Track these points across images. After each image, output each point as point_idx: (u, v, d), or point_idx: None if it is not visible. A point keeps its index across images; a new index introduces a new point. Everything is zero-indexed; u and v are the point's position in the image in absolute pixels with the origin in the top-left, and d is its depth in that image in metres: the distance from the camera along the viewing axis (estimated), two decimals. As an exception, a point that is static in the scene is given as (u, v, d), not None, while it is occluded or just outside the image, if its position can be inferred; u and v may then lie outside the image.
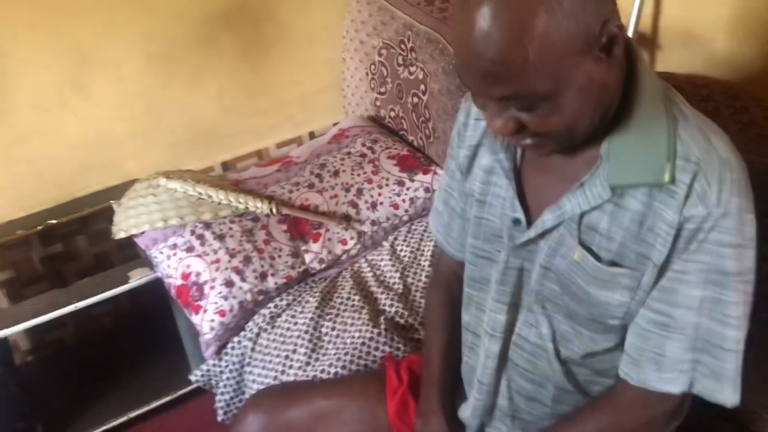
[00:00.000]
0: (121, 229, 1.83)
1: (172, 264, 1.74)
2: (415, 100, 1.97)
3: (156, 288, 1.90)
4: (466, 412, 1.18)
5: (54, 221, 2.07)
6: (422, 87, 1.91)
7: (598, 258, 0.93)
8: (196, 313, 1.67)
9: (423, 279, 1.72)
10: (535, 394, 1.09)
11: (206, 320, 1.65)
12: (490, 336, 1.09)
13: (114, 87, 2.11)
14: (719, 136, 0.89)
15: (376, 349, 1.54)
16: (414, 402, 1.28)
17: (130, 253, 2.14)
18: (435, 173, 1.93)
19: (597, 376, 1.04)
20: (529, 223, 0.99)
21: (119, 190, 2.04)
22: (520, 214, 0.99)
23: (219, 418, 1.72)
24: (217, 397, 1.71)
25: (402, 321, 1.62)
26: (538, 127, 0.84)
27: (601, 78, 0.82)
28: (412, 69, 1.96)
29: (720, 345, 0.90)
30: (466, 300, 1.17)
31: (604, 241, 0.92)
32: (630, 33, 1.51)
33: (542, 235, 0.97)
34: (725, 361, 0.91)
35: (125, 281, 1.86)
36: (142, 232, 1.82)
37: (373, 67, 2.17)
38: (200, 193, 1.82)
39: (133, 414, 2.01)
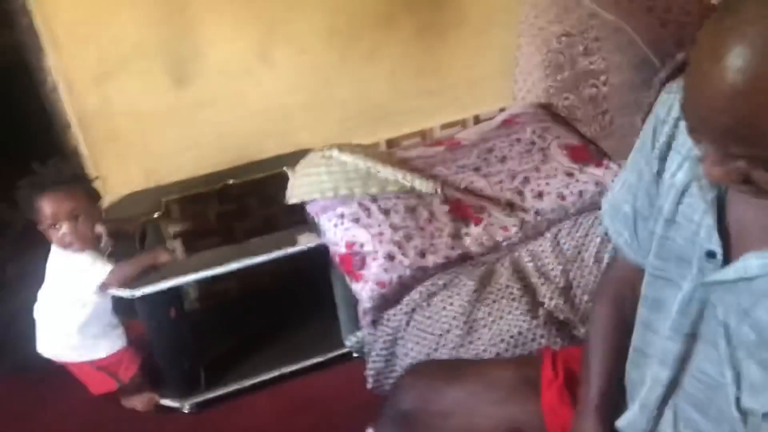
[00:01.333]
0: (294, 195, 1.93)
1: (338, 232, 1.81)
2: (593, 90, 1.92)
3: (318, 254, 1.98)
4: (624, 422, 1.14)
5: (231, 182, 2.21)
6: (602, 78, 1.86)
7: None
8: (358, 281, 1.73)
9: (586, 275, 1.68)
10: (706, 428, 1.01)
11: (366, 289, 1.71)
12: (661, 362, 1.02)
13: (295, 59, 2.21)
14: None
15: (533, 340, 1.52)
16: (570, 397, 1.26)
17: (296, 218, 2.24)
18: (607, 167, 1.87)
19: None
20: (726, 258, 0.89)
21: (292, 158, 2.14)
22: (716, 247, 0.89)
23: (369, 386, 1.78)
24: (369, 365, 1.77)
25: (561, 316, 1.60)
26: (758, 182, 0.75)
27: None
28: (593, 59, 1.90)
29: None
30: (638, 316, 1.10)
31: None
32: None
33: (743, 279, 0.87)
34: None
35: (293, 244, 1.95)
36: (313, 200, 1.90)
37: (550, 54, 2.13)
38: (370, 168, 1.88)
39: (285, 370, 2.12)
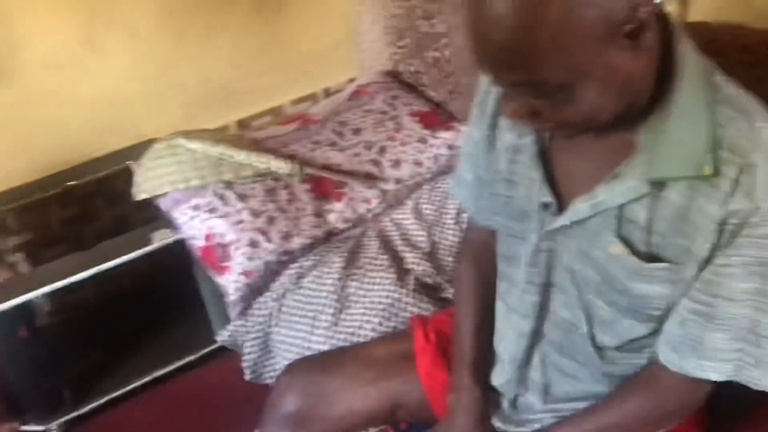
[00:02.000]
0: (142, 191, 1.82)
1: (195, 225, 1.73)
2: (436, 54, 1.93)
3: (177, 250, 1.89)
4: (499, 380, 1.17)
5: (71, 183, 2.05)
6: (444, 41, 1.87)
7: (637, 253, 0.88)
8: (222, 274, 1.67)
9: (449, 238, 1.71)
10: (571, 370, 1.07)
11: (232, 281, 1.65)
12: (523, 315, 1.07)
13: (126, 45, 2.08)
14: (764, 120, 0.82)
15: (404, 309, 1.53)
16: (443, 361, 1.28)
17: (149, 214, 2.11)
18: (457, 130, 1.90)
19: (634, 359, 1.02)
20: (561, 206, 0.94)
21: (136, 151, 2.02)
22: (549, 198, 0.95)
23: (247, 377, 1.73)
24: (244, 357, 1.72)
25: (429, 281, 1.62)
26: (552, 117, 0.80)
27: (625, 68, 0.76)
28: (433, 22, 1.91)
29: (766, 335, 0.87)
30: (499, 273, 1.15)
31: (643, 234, 0.88)
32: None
33: (576, 223, 0.93)
34: None
35: (147, 243, 1.85)
36: (164, 193, 1.80)
37: (390, 20, 2.12)
38: (221, 153, 1.80)
39: (158, 373, 2.02)
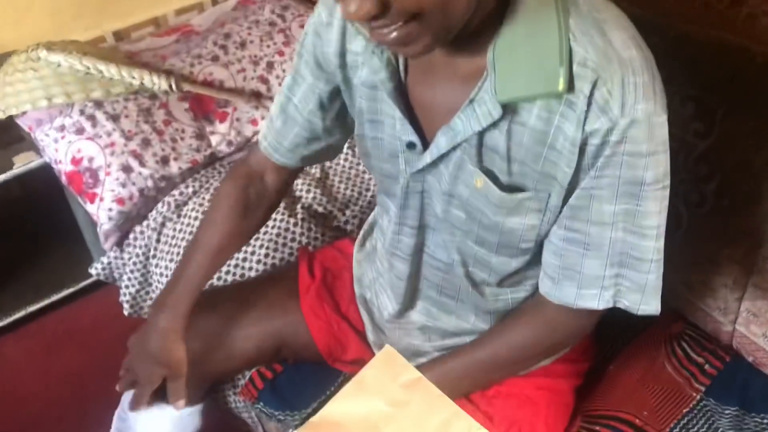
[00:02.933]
0: (-1, 109, 1.62)
1: (60, 148, 1.56)
2: (329, -39, 1.78)
3: (47, 174, 1.72)
4: (383, 318, 1.14)
5: None
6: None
7: (500, 185, 0.83)
8: (92, 201, 1.52)
9: (341, 163, 1.61)
10: (453, 308, 1.04)
11: (103, 209, 1.51)
12: (400, 258, 1.02)
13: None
14: (619, 29, 0.76)
15: (293, 240, 1.44)
16: (329, 297, 1.22)
17: (10, 137, 1.92)
18: (352, 45, 1.77)
19: (514, 294, 1.00)
20: (426, 145, 0.88)
21: (-7, 64, 1.79)
22: (413, 137, 0.88)
23: (126, 312, 1.62)
24: (122, 291, 1.60)
25: (320, 209, 1.53)
26: (401, 4, 0.68)
27: None
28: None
29: (640, 257, 0.84)
30: (378, 213, 1.10)
31: (504, 164, 0.82)
32: None
33: (441, 158, 0.87)
34: (647, 272, 0.85)
35: (9, 167, 1.67)
36: (24, 113, 1.60)
37: None
38: (88, 68, 1.61)
39: (31, 308, 1.88)
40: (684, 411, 1.14)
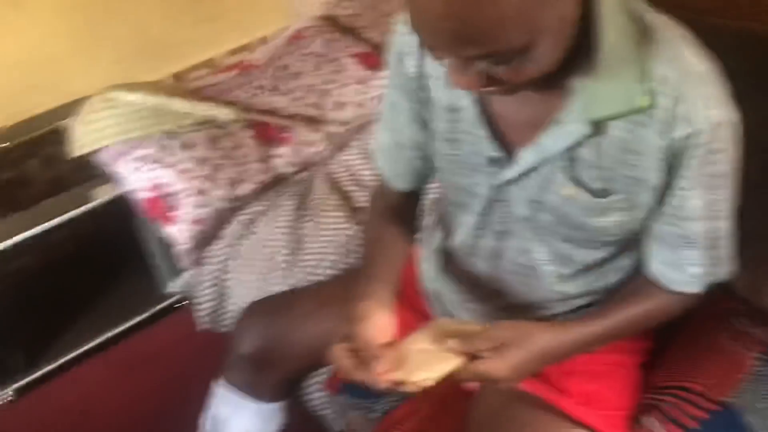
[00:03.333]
0: (79, 147, 1.76)
1: (140, 177, 1.69)
2: (372, -5, 1.92)
3: (118, 208, 1.85)
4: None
5: (2, 146, 1.97)
6: (380, -20, 1.86)
7: (591, 191, 0.92)
8: (172, 223, 1.64)
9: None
10: (534, 306, 1.11)
11: (182, 230, 1.63)
12: (480, 257, 1.10)
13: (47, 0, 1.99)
14: (689, 47, 0.85)
15: (359, 245, 1.54)
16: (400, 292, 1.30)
17: (87, 174, 2.05)
18: (399, 68, 1.90)
19: (598, 280, 1.07)
20: (509, 159, 0.96)
21: (68, 110, 1.94)
22: (496, 153, 0.96)
23: (203, 326, 1.71)
24: (200, 306, 1.70)
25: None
26: (511, 80, 0.78)
27: (570, 14, 0.77)
28: (368, -37, 1.90)
29: (722, 236, 0.96)
30: (442, 221, 1.17)
31: (593, 172, 0.91)
32: None
33: (527, 171, 0.95)
34: (725, 247, 0.97)
35: (87, 200, 1.80)
36: (103, 148, 1.75)
37: (324, -36, 2.10)
38: (160, 103, 1.76)
39: (111, 333, 2.00)
40: (740, 377, 1.20)
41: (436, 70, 0.97)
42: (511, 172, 0.96)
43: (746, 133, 1.18)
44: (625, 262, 1.07)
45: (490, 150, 0.96)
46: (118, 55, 2.16)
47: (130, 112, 1.76)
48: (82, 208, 1.81)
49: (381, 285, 1.07)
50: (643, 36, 0.84)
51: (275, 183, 1.75)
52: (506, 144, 0.96)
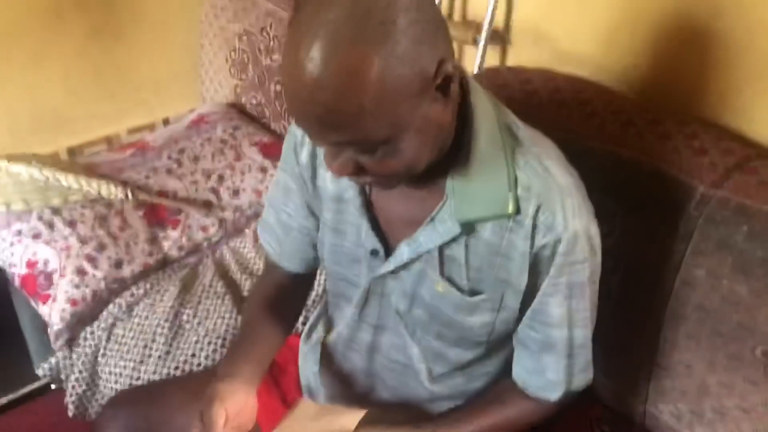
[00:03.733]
0: (-44, 215, 1.68)
1: (16, 252, 1.62)
2: (278, 87, 1.97)
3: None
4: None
5: None
6: (286, 75, 1.91)
7: (460, 289, 0.97)
8: (44, 303, 1.57)
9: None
10: (406, 405, 1.13)
11: (56, 310, 1.56)
12: (356, 351, 1.12)
13: (-55, 65, 1.94)
14: (554, 159, 0.92)
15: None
16: (276, 390, 1.28)
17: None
18: (298, 161, 1.93)
19: (468, 383, 1.10)
20: (388, 251, 1.00)
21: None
22: (377, 246, 1.00)
23: (70, 414, 1.62)
24: (68, 392, 1.61)
25: None
26: (377, 170, 0.83)
27: (437, 117, 0.81)
28: (275, 57, 1.95)
29: (582, 344, 1.00)
30: (330, 310, 1.19)
31: (463, 270, 0.96)
32: (484, 29, 1.59)
33: (403, 266, 0.99)
34: (583, 356, 1.02)
35: (-39, 271, 1.71)
36: (-19, 219, 1.68)
37: (233, 53, 2.14)
38: (48, 177, 1.71)
39: (-32, 416, 1.85)
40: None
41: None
42: (388, 266, 0.99)
43: (611, 248, 1.26)
44: (496, 365, 1.10)
45: (371, 242, 0.99)
46: (13, 125, 2.11)
47: (15, 183, 1.70)
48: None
49: (247, 366, 1.06)
50: (514, 147, 0.91)
51: (161, 266, 1.72)
52: (386, 238, 1.00)
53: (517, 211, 0.89)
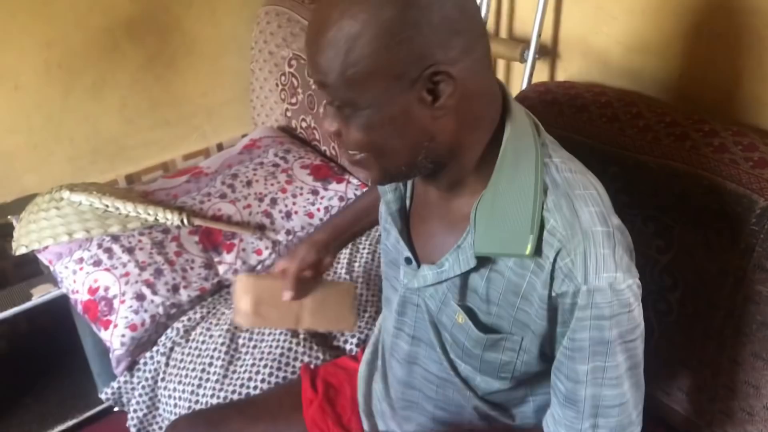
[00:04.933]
0: (22, 245, 1.75)
1: (78, 279, 1.67)
2: (327, 110, 1.99)
3: (56, 307, 1.82)
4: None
5: (-55, 239, 1.95)
6: (334, 97, 1.93)
7: (479, 324, 0.93)
8: (106, 328, 1.61)
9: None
10: (451, 418, 1.10)
11: (116, 335, 1.60)
12: (397, 361, 1.11)
13: (10, 96, 2.02)
14: (589, 206, 0.85)
15: (295, 359, 1.53)
16: (330, 410, 1.29)
17: (29, 271, 2.04)
18: (348, 182, 1.94)
19: (502, 410, 1.06)
20: (419, 262, 0.99)
21: (17, 206, 1.95)
22: (408, 254, 0.99)
23: (132, 437, 1.66)
24: (130, 415, 1.65)
25: (321, 329, 1.62)
26: (345, 136, 0.84)
27: (421, 119, 0.80)
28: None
29: (610, 405, 0.89)
30: (382, 314, 1.20)
31: (484, 305, 0.93)
32: (532, 45, 1.58)
33: (427, 287, 0.98)
34: (617, 415, 0.90)
35: (28, 298, 1.77)
36: (45, 247, 1.74)
37: (283, 77, 2.18)
38: (107, 206, 1.76)
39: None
40: None
41: None
42: (416, 282, 0.98)
43: (668, 264, 1.22)
44: (537, 391, 1.05)
45: (403, 250, 1.00)
46: (73, 154, 2.18)
47: (76, 212, 1.76)
48: (22, 306, 1.78)
49: (327, 233, 1.26)
50: (546, 186, 0.86)
51: (216, 290, 1.75)
52: (417, 252, 1.00)
53: (538, 253, 0.84)
